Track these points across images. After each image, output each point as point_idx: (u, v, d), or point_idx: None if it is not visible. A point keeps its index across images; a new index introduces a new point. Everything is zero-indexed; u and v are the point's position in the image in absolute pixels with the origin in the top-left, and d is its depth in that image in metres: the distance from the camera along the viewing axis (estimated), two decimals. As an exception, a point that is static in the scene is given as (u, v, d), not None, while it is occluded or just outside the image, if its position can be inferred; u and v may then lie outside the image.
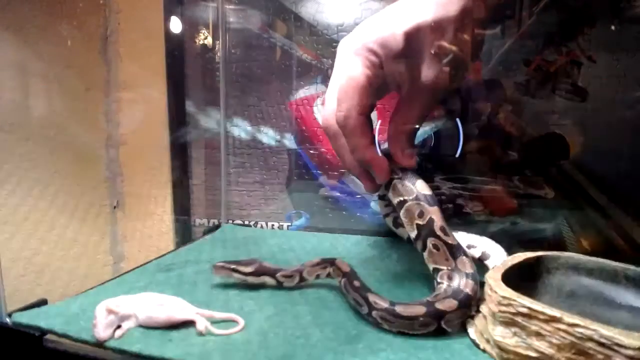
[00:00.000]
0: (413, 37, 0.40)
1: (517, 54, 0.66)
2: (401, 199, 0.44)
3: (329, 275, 0.48)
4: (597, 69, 0.63)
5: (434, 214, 0.42)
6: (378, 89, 0.44)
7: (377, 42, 0.41)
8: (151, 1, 0.83)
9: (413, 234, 0.43)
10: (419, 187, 0.44)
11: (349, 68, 0.42)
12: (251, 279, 0.48)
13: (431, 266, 0.43)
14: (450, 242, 0.41)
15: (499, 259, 0.48)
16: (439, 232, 0.41)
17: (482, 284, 0.38)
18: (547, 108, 0.66)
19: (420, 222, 0.42)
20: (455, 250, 0.41)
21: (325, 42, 0.74)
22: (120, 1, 0.85)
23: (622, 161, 0.63)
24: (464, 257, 0.41)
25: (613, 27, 0.61)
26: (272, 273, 0.48)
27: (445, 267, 0.41)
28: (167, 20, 0.82)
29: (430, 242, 0.42)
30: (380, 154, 0.46)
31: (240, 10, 0.79)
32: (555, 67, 0.65)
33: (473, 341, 0.36)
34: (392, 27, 0.41)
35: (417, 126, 0.45)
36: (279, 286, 0.48)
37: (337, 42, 0.72)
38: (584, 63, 0.63)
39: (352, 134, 0.44)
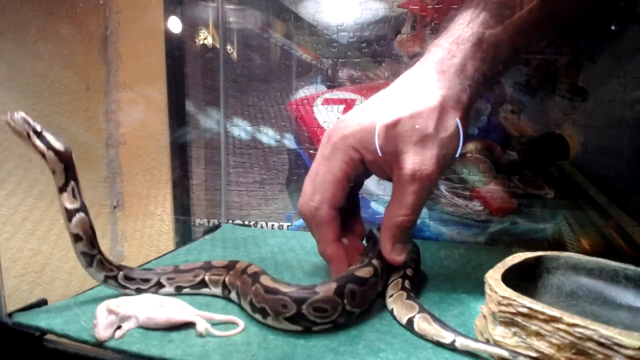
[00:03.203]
0: (393, 130, 0.41)
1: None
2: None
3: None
4: (597, 69, 0.63)
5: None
6: (359, 176, 0.45)
7: (357, 138, 0.42)
8: (151, 1, 0.83)
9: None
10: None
11: (329, 161, 0.43)
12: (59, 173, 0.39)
13: None
14: None
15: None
16: None
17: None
18: (547, 108, 0.66)
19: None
20: None
21: (325, 42, 0.73)
22: (120, 1, 0.85)
23: (622, 161, 0.63)
24: None
25: (613, 27, 0.61)
26: None
27: None
28: (167, 20, 0.82)
29: None
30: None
31: (240, 10, 0.79)
32: (555, 67, 0.65)
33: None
34: (372, 121, 0.42)
35: (413, 218, 0.42)
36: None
37: (337, 42, 0.73)
38: (584, 63, 0.63)
39: (319, 226, 0.44)
